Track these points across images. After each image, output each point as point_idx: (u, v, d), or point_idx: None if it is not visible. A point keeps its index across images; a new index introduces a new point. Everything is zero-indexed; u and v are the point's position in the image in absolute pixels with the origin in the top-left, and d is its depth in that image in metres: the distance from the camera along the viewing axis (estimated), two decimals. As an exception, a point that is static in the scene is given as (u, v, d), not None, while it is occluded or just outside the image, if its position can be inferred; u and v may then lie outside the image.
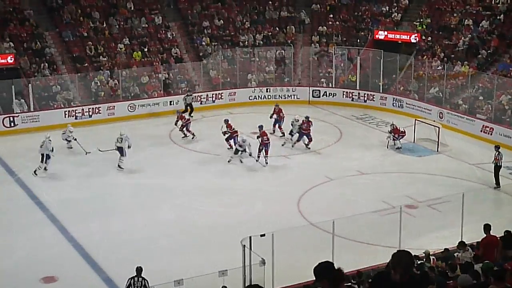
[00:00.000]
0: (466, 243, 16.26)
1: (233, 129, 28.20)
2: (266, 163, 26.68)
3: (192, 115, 32.93)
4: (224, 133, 28.16)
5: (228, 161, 26.87)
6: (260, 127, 27.42)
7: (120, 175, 25.71)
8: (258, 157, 26.83)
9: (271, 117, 30.78)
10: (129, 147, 26.21)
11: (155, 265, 17.91)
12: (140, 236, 20.53)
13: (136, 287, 15.93)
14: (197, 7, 40.46)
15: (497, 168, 24.50)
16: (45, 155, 25.53)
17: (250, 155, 27.09)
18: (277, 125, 30.63)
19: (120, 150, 26.18)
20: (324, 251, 17.09)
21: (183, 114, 30.63)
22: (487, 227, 15.83)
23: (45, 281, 17.98)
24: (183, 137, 29.73)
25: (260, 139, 26.90)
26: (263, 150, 26.75)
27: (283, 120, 30.46)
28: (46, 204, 22.94)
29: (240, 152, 27.04)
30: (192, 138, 29.80)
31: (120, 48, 36.99)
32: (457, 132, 30.62)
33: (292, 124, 29.43)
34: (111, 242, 20.31)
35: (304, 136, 28.63)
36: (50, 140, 25.84)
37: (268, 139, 26.94)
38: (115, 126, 31.55)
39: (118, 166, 26.09)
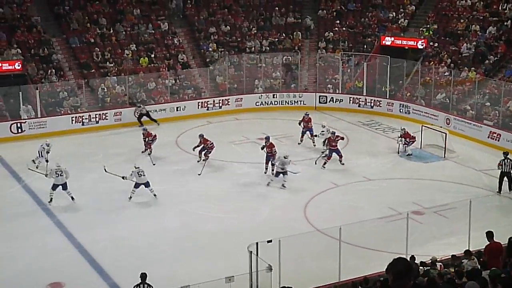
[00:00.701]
0: (472, 251, 16.19)
1: (209, 144, 27.21)
2: (273, 174, 25.88)
3: (157, 122, 33.00)
4: (196, 147, 27.57)
5: (267, 184, 25.48)
6: (267, 138, 26.95)
7: (125, 181, 25.66)
8: (266, 169, 26.33)
9: (300, 123, 30.28)
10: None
11: (161, 272, 17.93)
12: (146, 243, 20.54)
13: None
14: (203, 13, 40.54)
15: (502, 174, 24.40)
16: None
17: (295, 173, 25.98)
18: (305, 135, 30.03)
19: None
20: (331, 257, 17.11)
21: (149, 132, 28.74)
22: (489, 234, 15.78)
23: (52, 287, 18.00)
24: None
25: (265, 149, 26.42)
26: (270, 162, 26.22)
27: (313, 130, 29.86)
28: (53, 210, 22.96)
29: (282, 174, 25.21)
30: (149, 153, 28.12)
31: (127, 54, 37.08)
32: (464, 138, 30.55)
33: (320, 135, 29.12)
34: (117, 248, 20.30)
35: (334, 153, 27.18)
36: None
37: (272, 151, 26.15)
38: (121, 132, 31.74)
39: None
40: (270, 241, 15.84)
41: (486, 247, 15.58)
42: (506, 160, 24.42)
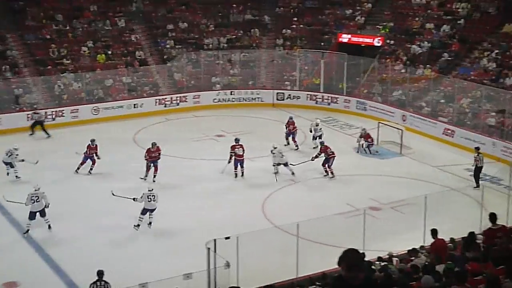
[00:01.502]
0: (417, 249, 16.44)
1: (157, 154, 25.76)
2: (238, 175, 25.95)
3: (48, 134, 30.95)
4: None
5: (276, 180, 25.54)
6: (237, 140, 26.50)
7: (85, 179, 25.50)
8: (236, 174, 25.95)
9: (286, 127, 30.06)
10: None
11: (120, 269, 17.86)
12: (106, 240, 20.40)
13: None
14: (161, 10, 40.38)
15: (478, 169, 24.90)
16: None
17: (292, 173, 25.98)
18: (290, 138, 29.85)
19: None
20: (289, 254, 17.19)
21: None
22: (434, 232, 16.08)
23: (7, 286, 17.75)
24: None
25: (233, 152, 25.93)
26: (239, 166, 25.89)
27: (296, 133, 29.76)
28: (7, 207, 22.58)
29: (283, 165, 25.90)
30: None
31: (84, 51, 36.77)
32: (420, 135, 30.96)
33: (312, 130, 29.51)
34: (75, 246, 20.10)
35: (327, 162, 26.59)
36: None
37: (241, 156, 25.86)
38: (79, 130, 31.44)
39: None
40: (228, 237, 15.88)
41: (431, 244, 15.85)
42: (478, 155, 25.03)
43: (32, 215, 20.74)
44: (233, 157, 25.89)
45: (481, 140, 28.68)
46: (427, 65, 35.14)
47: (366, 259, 15.93)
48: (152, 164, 25.38)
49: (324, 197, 24.16)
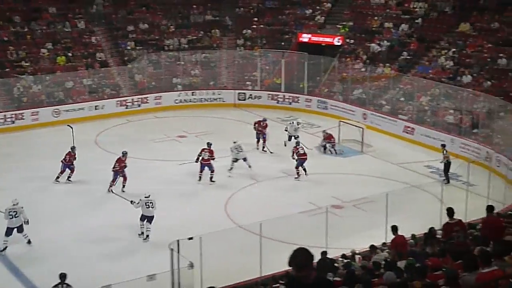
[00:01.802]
0: (376, 246, 16.65)
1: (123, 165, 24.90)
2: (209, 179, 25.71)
3: None
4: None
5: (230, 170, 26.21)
6: (209, 144, 25.95)
7: (46, 182, 25.27)
8: (200, 178, 25.59)
9: (254, 128, 29.71)
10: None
11: (84, 272, 17.75)
12: (69, 243, 20.24)
13: None
14: (121, 11, 40.19)
15: (447, 165, 25.43)
16: None
17: (249, 167, 26.23)
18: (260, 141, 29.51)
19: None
20: (253, 253, 17.25)
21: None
22: (394, 228, 16.30)
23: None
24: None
25: (201, 157, 25.62)
26: (208, 169, 25.61)
27: (266, 135, 29.40)
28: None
29: (243, 160, 26.36)
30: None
31: (43, 53, 36.44)
32: (380, 133, 31.27)
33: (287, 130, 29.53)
34: (37, 250, 19.89)
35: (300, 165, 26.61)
36: None
37: (208, 160, 25.64)
38: (39, 132, 31.19)
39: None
40: (191, 238, 15.87)
41: (392, 241, 16.06)
42: (445, 152, 25.77)
43: (9, 231, 19.80)
44: (200, 160, 25.58)
45: (440, 137, 29.11)
46: (387, 64, 35.52)
47: (329, 256, 16.14)
48: (120, 175, 24.60)
49: (286, 196, 24.27)
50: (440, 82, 32.25)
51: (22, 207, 19.99)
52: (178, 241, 15.83)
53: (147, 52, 38.38)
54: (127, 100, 35.59)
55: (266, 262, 17.19)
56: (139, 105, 35.72)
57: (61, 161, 25.32)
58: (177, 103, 36.61)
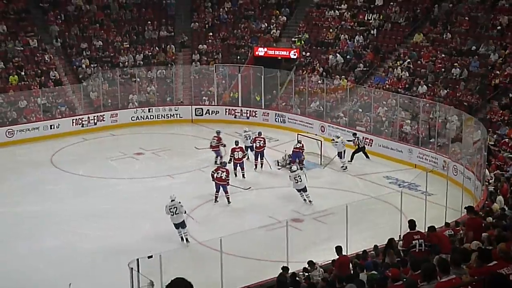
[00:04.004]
0: (314, 262, 16.62)
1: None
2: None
3: None
4: None
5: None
6: (236, 142, 27.66)
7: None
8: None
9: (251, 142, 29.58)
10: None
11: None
12: (24, 266, 19.77)
13: None
14: (74, 29, 39.79)
15: (360, 149, 29.23)
16: None
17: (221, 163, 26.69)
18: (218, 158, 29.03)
19: None
20: (214, 269, 17.07)
21: None
22: (338, 249, 16.36)
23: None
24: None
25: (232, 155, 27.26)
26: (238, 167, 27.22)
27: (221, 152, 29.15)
28: None
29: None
30: None
31: (-5, 72, 35.89)
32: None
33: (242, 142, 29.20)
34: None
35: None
36: None
37: (240, 159, 27.21)
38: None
39: None
40: (151, 256, 15.63)
41: (336, 261, 16.05)
42: (356, 139, 29.18)
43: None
44: (232, 161, 27.03)
45: (397, 148, 29.30)
46: (343, 76, 35.68)
47: (290, 270, 16.03)
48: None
49: (246, 210, 24.13)
50: (397, 92, 32.47)
51: (179, 202, 20.92)
52: (138, 260, 15.59)
53: (102, 70, 38.01)
54: (82, 118, 35.15)
55: (227, 278, 17.02)
56: (95, 123, 35.29)
57: None
58: (133, 120, 36.27)
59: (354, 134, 29.67)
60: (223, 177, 24.45)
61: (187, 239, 21.02)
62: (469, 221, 15.65)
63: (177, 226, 21.10)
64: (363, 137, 30.05)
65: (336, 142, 28.88)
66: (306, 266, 16.70)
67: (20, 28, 38.65)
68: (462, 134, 28.02)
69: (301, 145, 28.55)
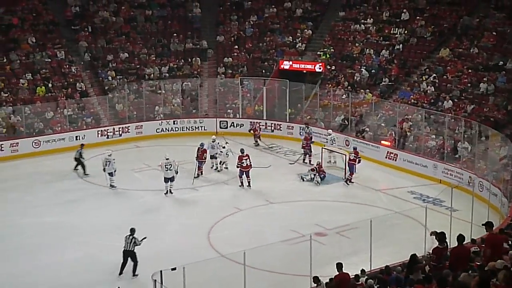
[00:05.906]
0: (319, 277, 16.50)
1: None
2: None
3: None
4: None
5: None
6: (242, 150, 28.21)
7: (24, 214, 24.94)
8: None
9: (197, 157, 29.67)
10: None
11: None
12: (47, 277, 19.89)
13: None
14: (101, 41, 40.09)
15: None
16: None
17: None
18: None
19: None
20: (237, 282, 17.03)
21: None
22: (339, 265, 16.24)
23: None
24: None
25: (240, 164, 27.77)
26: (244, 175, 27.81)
27: (204, 161, 29.55)
28: None
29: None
30: None
31: (23, 83, 36.20)
32: (363, 159, 31.10)
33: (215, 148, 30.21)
34: (14, 285, 19.54)
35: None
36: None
37: (247, 167, 27.72)
38: (19, 164, 30.90)
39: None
40: (174, 268, 15.62)
41: (335, 277, 15.97)
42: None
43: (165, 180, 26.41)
44: (239, 168, 27.78)
45: (422, 163, 29.12)
46: (368, 90, 35.59)
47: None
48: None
49: (269, 224, 24.06)
50: (422, 107, 32.30)
51: (174, 160, 26.29)
52: (161, 271, 15.60)
53: (128, 82, 38.23)
54: (108, 129, 35.37)
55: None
56: (120, 135, 35.51)
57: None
58: (158, 132, 36.42)
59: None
60: (248, 164, 27.64)
61: (171, 191, 26.40)
62: (488, 238, 15.42)
63: (166, 180, 26.24)
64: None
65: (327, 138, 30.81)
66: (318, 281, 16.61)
67: (48, 40, 39.02)
68: (488, 150, 27.80)
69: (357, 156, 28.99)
